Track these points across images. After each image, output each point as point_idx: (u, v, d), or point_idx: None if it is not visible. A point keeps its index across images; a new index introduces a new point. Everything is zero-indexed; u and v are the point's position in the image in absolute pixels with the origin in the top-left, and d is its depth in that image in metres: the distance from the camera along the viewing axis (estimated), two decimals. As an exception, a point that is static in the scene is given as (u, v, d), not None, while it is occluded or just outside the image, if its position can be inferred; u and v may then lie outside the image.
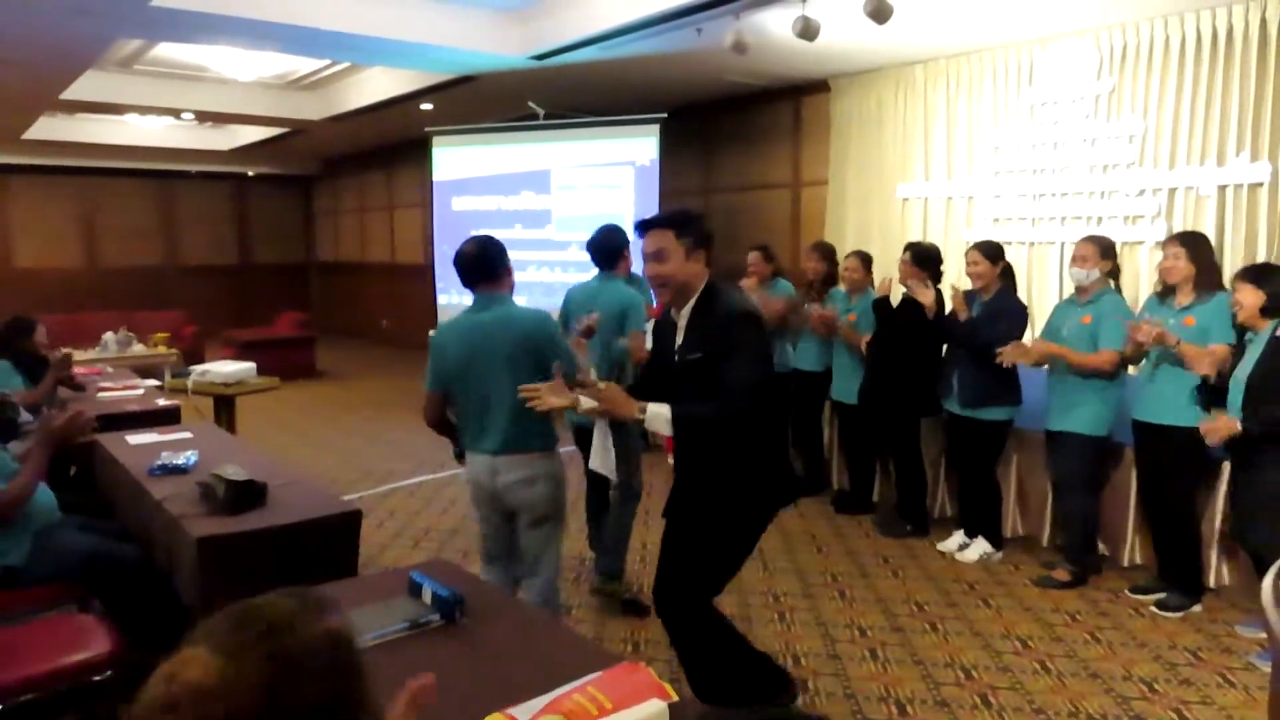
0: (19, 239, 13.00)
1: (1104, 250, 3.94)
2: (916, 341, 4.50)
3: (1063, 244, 5.77)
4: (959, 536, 4.47)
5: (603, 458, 2.98)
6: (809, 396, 5.35)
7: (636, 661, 1.66)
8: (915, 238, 6.13)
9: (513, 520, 2.92)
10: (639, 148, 7.65)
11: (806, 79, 7.34)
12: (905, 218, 6.77)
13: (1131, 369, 4.00)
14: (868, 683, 3.17)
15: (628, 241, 3.83)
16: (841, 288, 5.19)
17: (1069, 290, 4.46)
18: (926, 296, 4.35)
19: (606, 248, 3.81)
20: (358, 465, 6.31)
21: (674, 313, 2.64)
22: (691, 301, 2.56)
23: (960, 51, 6.27)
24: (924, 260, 4.64)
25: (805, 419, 5.45)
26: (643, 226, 2.58)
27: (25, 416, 3.77)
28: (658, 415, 2.39)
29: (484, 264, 2.89)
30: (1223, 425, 3.19)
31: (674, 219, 2.56)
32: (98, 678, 2.49)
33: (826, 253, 5.38)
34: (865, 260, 5.10)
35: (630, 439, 3.71)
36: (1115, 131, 5.54)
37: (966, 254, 4.38)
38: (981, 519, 4.37)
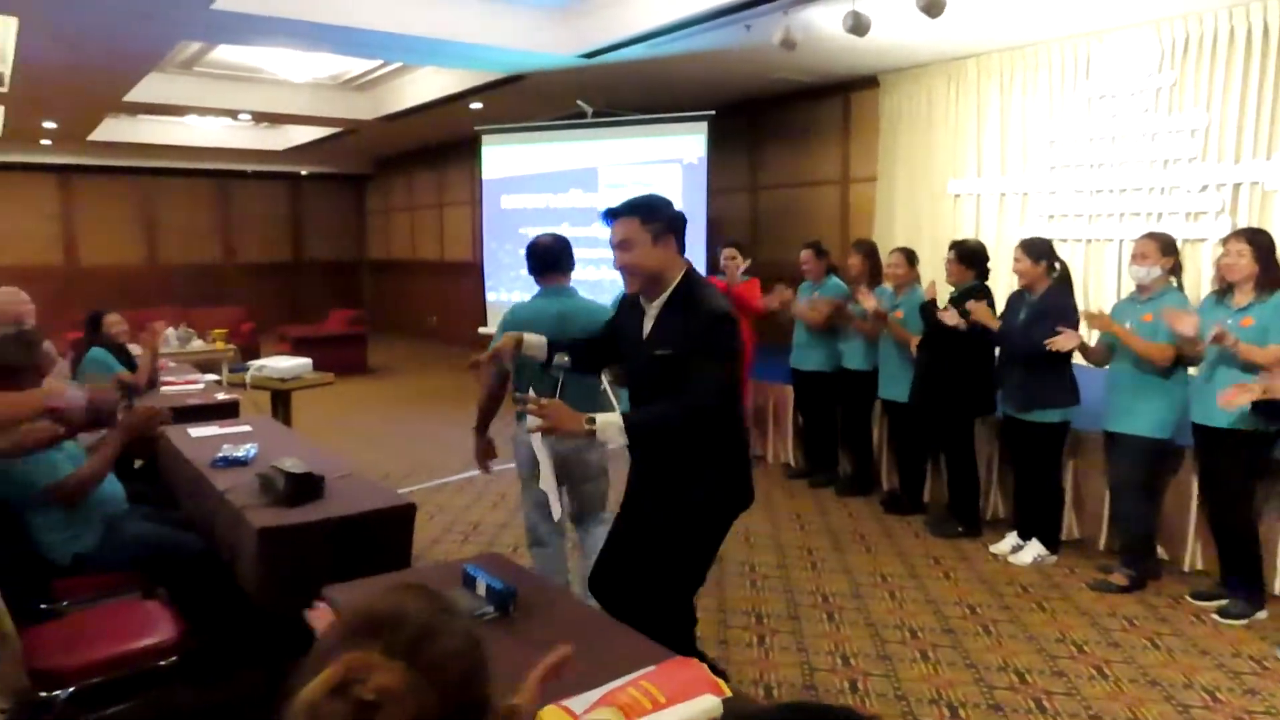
0: (84, 238, 13.41)
1: (1165, 247, 3.84)
2: (966, 343, 4.42)
3: (1121, 241, 5.64)
4: (1012, 538, 4.39)
5: (547, 481, 2.70)
6: (857, 396, 5.30)
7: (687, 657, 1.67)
8: (966, 235, 6.05)
9: (561, 485, 3.11)
10: (687, 145, 7.64)
11: (855, 75, 7.27)
12: (956, 214, 6.67)
13: (1191, 370, 3.89)
14: (919, 684, 3.14)
15: None
16: (886, 285, 5.14)
17: (1127, 289, 4.37)
18: (989, 319, 4.26)
19: None
20: (408, 459, 6.40)
21: (643, 300, 2.54)
22: (666, 294, 2.47)
23: (1015, 45, 6.16)
24: (969, 258, 4.58)
25: (854, 418, 5.40)
26: (610, 214, 2.52)
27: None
28: (609, 424, 2.27)
29: (559, 256, 3.30)
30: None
31: (638, 206, 2.48)
32: (163, 663, 2.57)
33: (868, 250, 5.32)
34: (910, 257, 5.04)
35: None
36: (1177, 125, 5.39)
37: (1014, 252, 4.31)
38: (1038, 521, 4.29)
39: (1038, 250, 4.18)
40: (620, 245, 2.45)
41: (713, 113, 7.53)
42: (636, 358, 2.57)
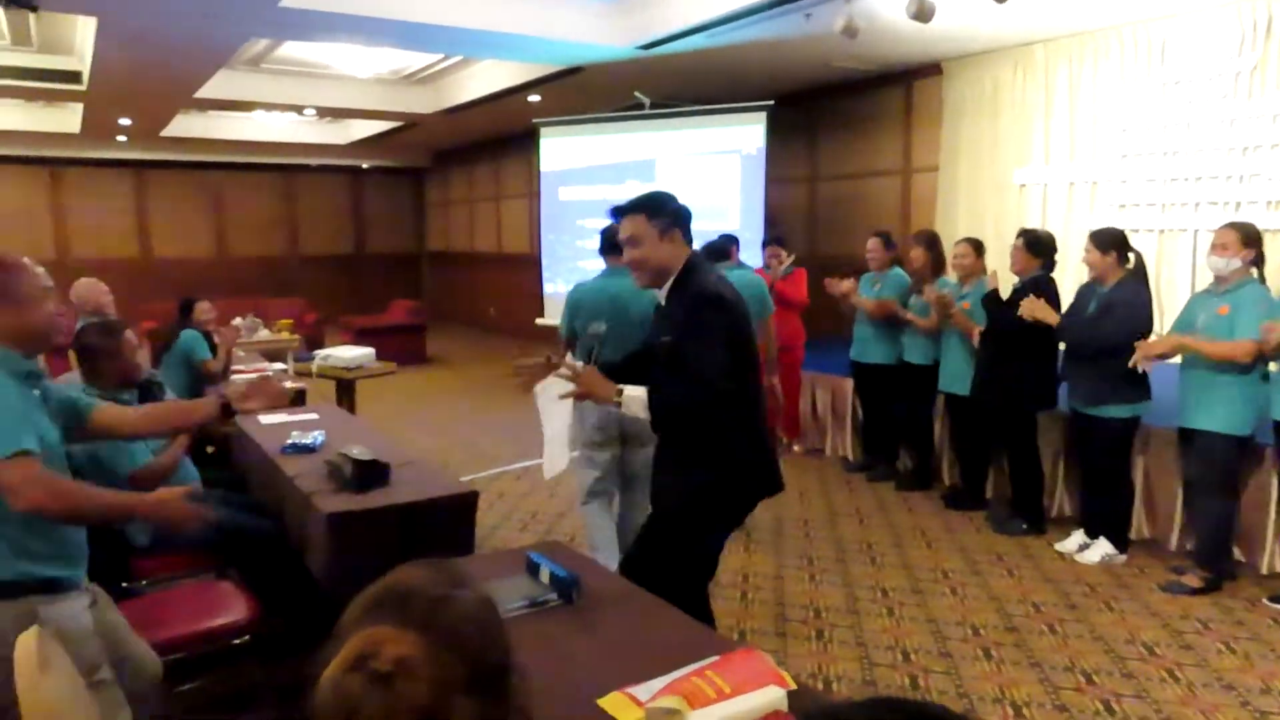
0: (157, 230, 13.87)
1: (1247, 238, 3.70)
2: (1029, 336, 4.31)
3: (1196, 231, 5.46)
4: (1079, 536, 4.29)
5: (558, 450, 2.84)
6: (918, 389, 5.22)
7: (750, 648, 1.67)
8: (1032, 225, 5.89)
9: (623, 446, 3.62)
10: (745, 136, 7.59)
11: (918, 62, 7.14)
12: (1022, 204, 6.52)
13: (1273, 365, 3.75)
14: (981, 683, 3.09)
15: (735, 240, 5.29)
16: (950, 277, 5.05)
17: (1202, 281, 4.22)
18: (1047, 315, 4.16)
19: (717, 247, 4.83)
20: (467, 448, 6.50)
21: (657, 294, 2.61)
22: (669, 284, 2.53)
23: (1085, 29, 5.99)
24: (1037, 247, 4.46)
25: (914, 412, 5.32)
26: (617, 212, 2.57)
27: (169, 395, 4.03)
28: (634, 398, 2.39)
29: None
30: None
31: (645, 203, 2.53)
32: (236, 641, 2.66)
33: (929, 241, 5.23)
34: (977, 247, 4.93)
35: None
36: (1258, 110, 5.19)
37: (1085, 242, 4.19)
38: (1106, 519, 4.18)
39: (1108, 240, 4.06)
40: (629, 241, 2.51)
41: (772, 103, 7.47)
42: (656, 350, 2.63)
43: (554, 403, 2.62)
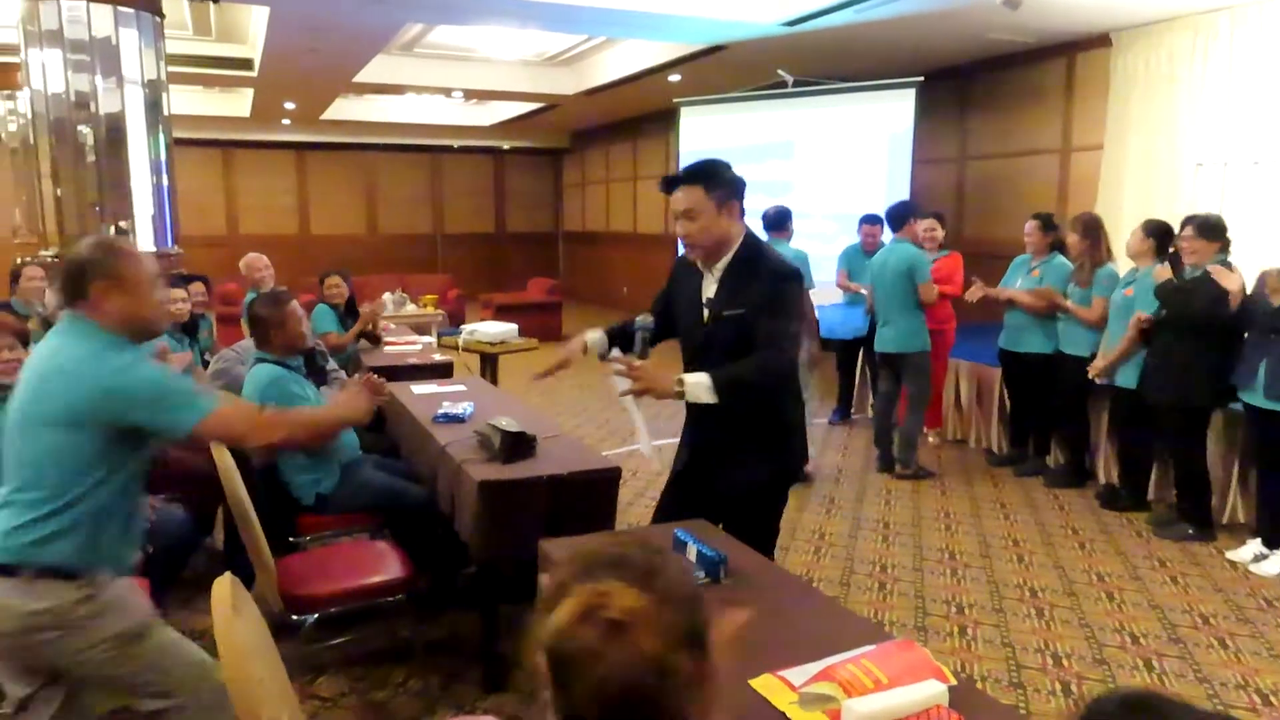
0: (315, 209, 14.70)
1: None
2: (1212, 325, 4.00)
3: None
4: (1255, 545, 3.96)
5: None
6: (1075, 381, 4.92)
7: (908, 640, 1.62)
8: (1209, 208, 5.45)
9: None
10: (892, 113, 7.34)
11: (1083, 33, 6.70)
12: (1197, 186, 6.03)
13: None
14: (1141, 694, 2.91)
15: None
16: (1111, 264, 4.74)
17: None
18: (1233, 283, 3.85)
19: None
20: (600, 425, 6.61)
21: (701, 265, 2.50)
22: (728, 256, 2.44)
23: (1280, -7, 5.46)
24: (1210, 232, 4.11)
25: (1069, 405, 5.03)
26: (670, 183, 2.44)
27: (331, 364, 4.27)
28: (698, 384, 2.28)
29: (784, 220, 5.12)
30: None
31: (702, 173, 2.40)
32: (391, 599, 2.80)
33: (1090, 226, 4.89)
34: (1153, 230, 4.57)
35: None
36: None
37: None
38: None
39: None
40: (685, 215, 2.40)
41: (921, 79, 7.18)
42: (694, 321, 2.53)
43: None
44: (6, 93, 8.58)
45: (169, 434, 1.99)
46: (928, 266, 5.14)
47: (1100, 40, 6.68)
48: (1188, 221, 4.25)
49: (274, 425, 2.14)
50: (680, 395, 2.30)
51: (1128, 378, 4.48)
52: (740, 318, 2.39)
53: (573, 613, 0.86)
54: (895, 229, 5.20)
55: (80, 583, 1.87)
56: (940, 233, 5.77)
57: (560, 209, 16.43)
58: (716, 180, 2.40)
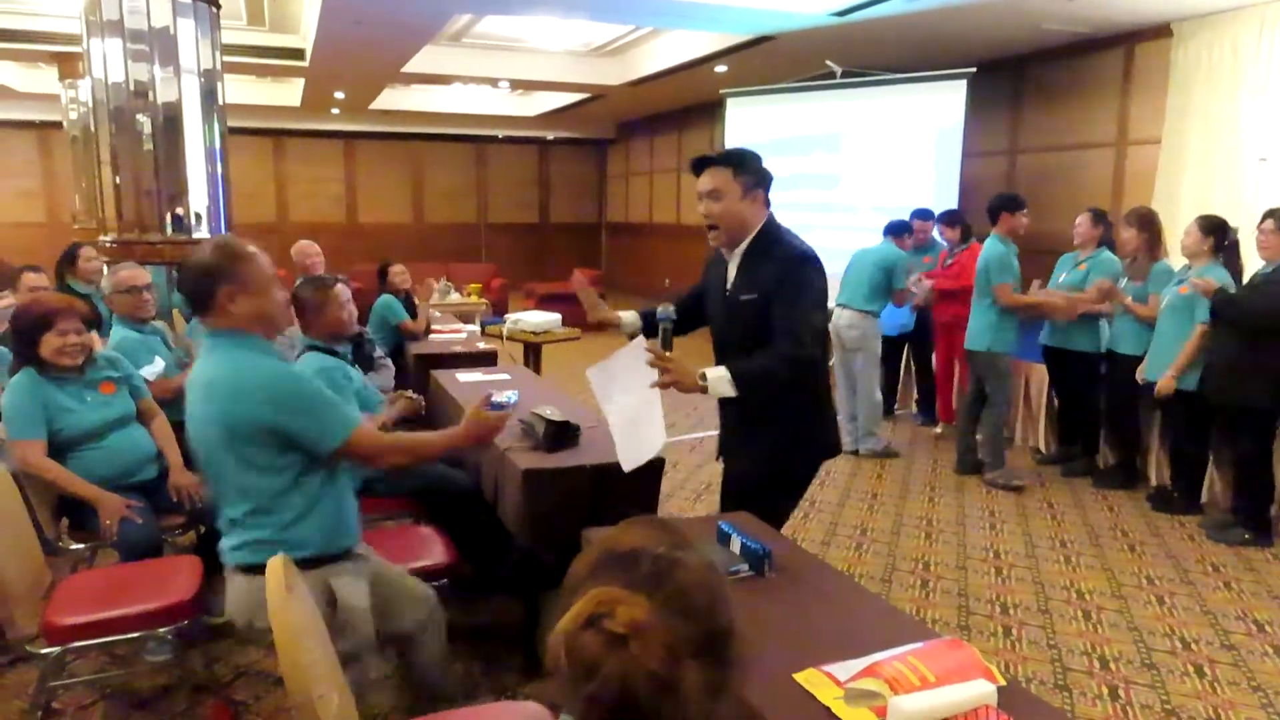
0: (363, 198, 14.89)
1: None
2: (1278, 325, 3.88)
3: None
4: (1314, 552, 3.85)
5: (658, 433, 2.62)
6: (1125, 380, 4.80)
7: (956, 639, 1.60)
8: (1275, 204, 5.28)
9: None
10: (942, 105, 7.22)
11: (1143, 23, 6.52)
12: (1260, 182, 5.85)
13: None
14: (1192, 701, 2.85)
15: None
16: (1165, 261, 4.62)
17: None
18: None
19: (994, 205, 4.97)
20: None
21: (725, 252, 2.52)
22: (746, 242, 2.46)
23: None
24: None
25: (1120, 404, 4.92)
26: (700, 164, 2.47)
27: (379, 352, 4.33)
28: (719, 378, 2.31)
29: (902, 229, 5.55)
30: None
31: (733, 157, 2.45)
32: (435, 584, 2.83)
33: (1144, 221, 4.77)
34: (1209, 228, 4.44)
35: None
36: None
37: None
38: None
39: None
40: (710, 195, 2.44)
41: (973, 70, 7.06)
42: (719, 308, 2.55)
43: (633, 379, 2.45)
44: (69, 82, 8.83)
45: (314, 446, 2.02)
46: (902, 269, 5.49)
47: (1161, 30, 6.50)
48: (1269, 214, 4.13)
49: (400, 451, 2.24)
50: (704, 390, 2.32)
51: (1184, 379, 4.36)
52: (755, 301, 2.41)
53: (577, 618, 0.86)
54: (992, 221, 4.97)
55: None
56: (954, 233, 5.88)
57: (604, 200, 16.45)
58: (746, 167, 2.45)
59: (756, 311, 2.40)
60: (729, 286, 2.53)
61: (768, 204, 2.50)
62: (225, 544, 2.09)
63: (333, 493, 2.12)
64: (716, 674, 0.88)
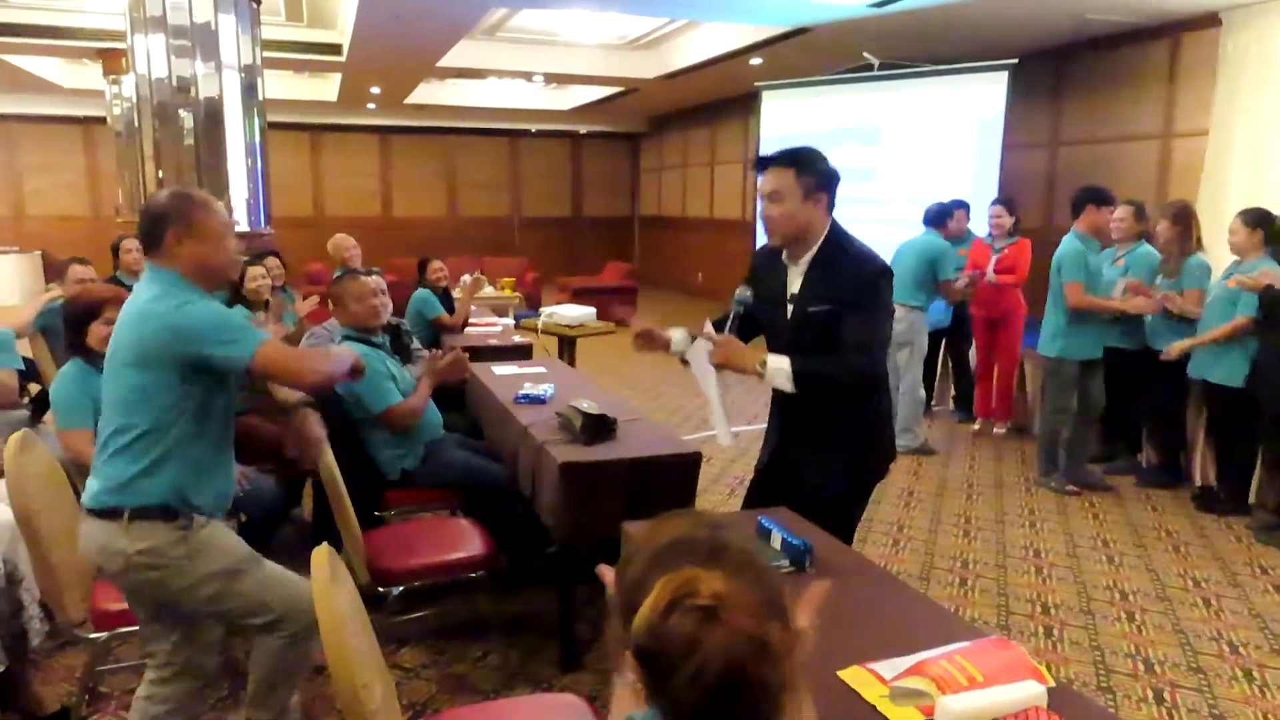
0: (398, 192, 15.01)
1: None
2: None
3: None
4: (1367, 555, 3.75)
5: (718, 416, 2.54)
6: (1169, 377, 4.70)
7: (1004, 639, 1.58)
8: (1326, 198, 5.15)
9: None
10: (983, 98, 7.12)
11: (1190, 12, 6.37)
12: (1312, 174, 5.70)
13: None
14: (1240, 706, 2.78)
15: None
16: (1200, 255, 4.52)
17: None
18: None
19: (1077, 199, 4.70)
20: (674, 410, 6.60)
21: (785, 256, 2.44)
22: (814, 250, 2.37)
23: None
24: None
25: (1163, 402, 4.81)
26: (762, 163, 2.38)
27: (416, 344, 4.36)
28: (779, 370, 2.26)
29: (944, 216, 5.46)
30: None
31: (796, 157, 2.33)
32: (472, 575, 2.85)
33: (1181, 213, 4.65)
34: (1255, 221, 4.32)
35: None
36: None
37: None
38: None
39: None
40: (771, 196, 2.36)
41: (1015, 61, 6.94)
42: (780, 316, 2.46)
43: (707, 369, 2.43)
44: (113, 78, 8.98)
45: (233, 364, 2.04)
46: (950, 258, 5.45)
47: (1208, 20, 6.35)
48: None
49: (320, 356, 2.27)
50: (760, 376, 2.29)
51: (1230, 374, 4.26)
52: (827, 313, 2.32)
53: (659, 606, 0.86)
54: (1074, 215, 4.65)
55: (175, 525, 2.00)
56: (1008, 220, 5.74)
57: (636, 193, 16.43)
58: (809, 168, 2.34)
59: (828, 323, 2.33)
60: (792, 296, 2.44)
61: (831, 207, 2.40)
62: (87, 488, 2.06)
63: (208, 456, 2.07)
64: (790, 633, 0.90)
